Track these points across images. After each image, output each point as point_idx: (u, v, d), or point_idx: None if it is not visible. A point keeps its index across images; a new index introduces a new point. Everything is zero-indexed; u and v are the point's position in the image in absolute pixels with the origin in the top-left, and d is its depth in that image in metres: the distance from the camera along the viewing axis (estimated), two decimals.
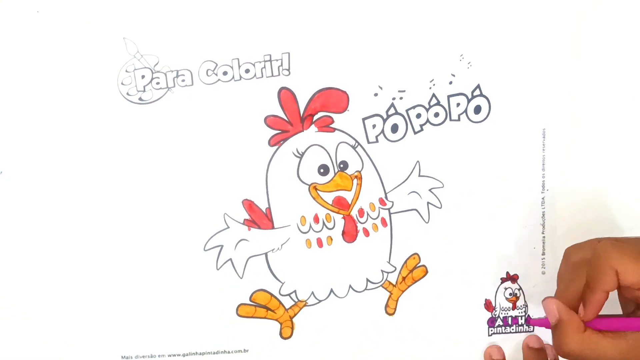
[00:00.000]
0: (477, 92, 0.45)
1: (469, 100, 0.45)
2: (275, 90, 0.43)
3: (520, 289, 0.47)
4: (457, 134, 0.45)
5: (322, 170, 0.45)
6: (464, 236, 0.46)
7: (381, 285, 0.46)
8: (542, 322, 0.44)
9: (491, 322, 0.47)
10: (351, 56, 0.43)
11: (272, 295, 0.45)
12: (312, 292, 0.46)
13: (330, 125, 0.44)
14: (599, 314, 0.38)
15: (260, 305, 0.45)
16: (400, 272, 0.46)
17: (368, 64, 0.44)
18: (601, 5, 0.44)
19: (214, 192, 0.44)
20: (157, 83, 0.43)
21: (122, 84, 0.43)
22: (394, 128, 0.45)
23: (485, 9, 0.44)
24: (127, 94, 0.43)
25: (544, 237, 0.47)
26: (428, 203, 0.46)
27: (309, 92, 0.44)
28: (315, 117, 0.44)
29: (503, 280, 0.47)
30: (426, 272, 0.47)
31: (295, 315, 0.46)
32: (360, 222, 0.45)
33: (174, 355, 0.46)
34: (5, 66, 0.42)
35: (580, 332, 0.38)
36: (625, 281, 0.36)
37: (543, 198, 0.46)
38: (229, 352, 0.46)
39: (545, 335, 0.47)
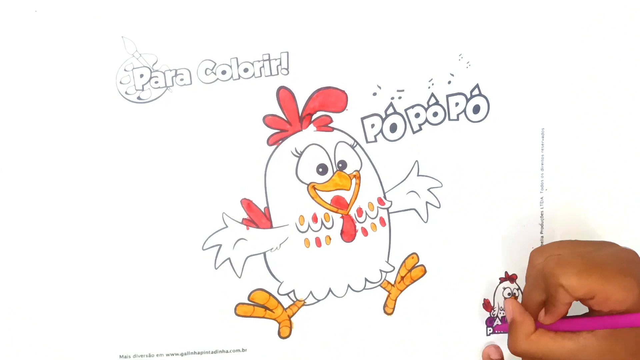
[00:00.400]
0: (476, 92, 0.45)
1: (467, 100, 0.45)
2: (274, 90, 0.43)
3: (518, 288, 0.47)
4: (456, 133, 0.45)
5: (320, 170, 0.45)
6: (462, 236, 0.46)
7: (380, 285, 0.46)
8: (504, 327, 0.46)
9: (490, 321, 0.47)
10: (350, 56, 0.43)
11: (270, 294, 0.45)
12: (311, 292, 0.46)
13: (329, 125, 0.44)
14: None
15: (259, 305, 0.45)
16: (398, 272, 0.46)
17: (367, 63, 0.44)
18: (601, 4, 0.44)
19: (213, 191, 0.44)
20: (156, 82, 0.43)
21: (120, 83, 0.43)
22: (393, 127, 0.45)
23: (484, 8, 0.44)
24: (126, 93, 0.43)
25: (542, 236, 0.47)
26: (427, 203, 0.46)
27: (308, 92, 0.44)
28: (314, 117, 0.44)
29: (502, 280, 0.47)
30: (425, 271, 0.47)
31: (293, 314, 0.46)
32: (358, 221, 0.45)
33: (172, 354, 0.46)
34: (3, 66, 0.42)
35: (529, 334, 0.40)
36: (573, 295, 0.37)
37: (542, 198, 0.46)
38: (227, 352, 0.46)
39: None
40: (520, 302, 0.42)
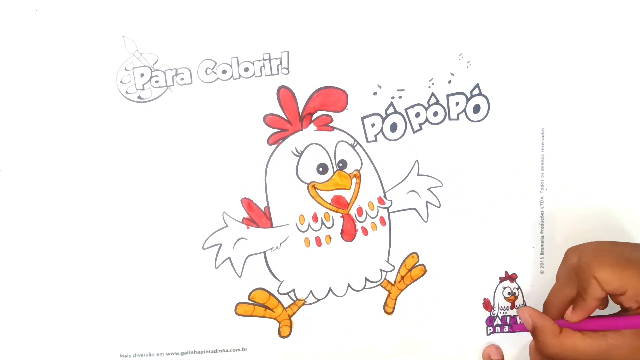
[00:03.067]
0: (476, 92, 0.45)
1: (468, 100, 0.45)
2: (274, 89, 0.43)
3: (518, 288, 0.47)
4: (456, 133, 0.45)
5: (321, 169, 0.45)
6: (462, 235, 0.46)
7: (380, 284, 0.46)
8: (523, 327, 0.45)
9: (490, 321, 0.47)
10: (350, 55, 0.43)
11: (270, 294, 0.45)
12: (311, 291, 0.46)
13: (329, 124, 0.44)
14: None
15: (259, 304, 0.45)
16: (398, 271, 0.46)
17: (367, 63, 0.44)
18: (601, 4, 0.44)
19: (213, 191, 0.44)
20: (156, 81, 0.43)
21: (121, 82, 0.43)
22: (393, 127, 0.45)
23: (484, 8, 0.44)
24: (126, 92, 0.43)
25: (542, 236, 0.47)
26: (427, 202, 0.46)
27: (308, 91, 0.44)
28: (314, 116, 0.44)
29: (501, 279, 0.47)
30: (425, 271, 0.47)
31: (293, 314, 0.46)
32: (359, 221, 0.45)
33: (173, 353, 0.46)
34: (4, 65, 0.42)
35: (556, 335, 0.40)
36: (606, 289, 0.38)
37: (542, 197, 0.46)
38: (227, 351, 0.46)
39: None
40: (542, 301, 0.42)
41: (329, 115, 0.44)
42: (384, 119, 0.44)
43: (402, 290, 0.47)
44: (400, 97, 0.44)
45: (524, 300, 0.47)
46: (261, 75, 0.43)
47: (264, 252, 0.45)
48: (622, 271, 0.37)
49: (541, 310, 0.43)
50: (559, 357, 0.40)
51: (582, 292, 0.39)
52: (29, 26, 0.42)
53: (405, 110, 0.44)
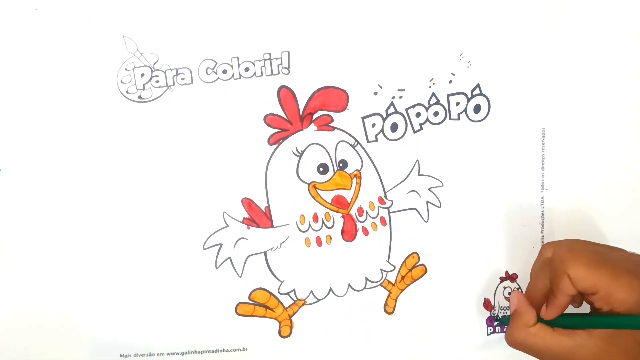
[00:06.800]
0: (476, 91, 0.45)
1: (468, 100, 0.45)
2: (275, 89, 0.43)
3: (519, 288, 0.47)
4: (457, 133, 0.45)
5: (321, 169, 0.45)
6: (463, 235, 0.46)
7: (380, 284, 0.46)
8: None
9: (490, 321, 0.47)
10: (351, 55, 0.43)
11: (271, 294, 0.45)
12: (311, 291, 0.46)
13: (330, 124, 0.44)
14: (565, 312, 0.39)
15: (259, 304, 0.45)
16: (399, 271, 0.46)
17: (368, 62, 0.44)
18: (602, 6, 0.44)
19: (214, 191, 0.44)
20: (157, 81, 0.43)
21: (121, 82, 0.43)
22: (394, 127, 0.45)
23: (485, 8, 0.44)
24: (127, 92, 0.43)
25: (542, 236, 0.47)
26: (427, 202, 0.46)
27: (309, 91, 0.44)
28: (315, 116, 0.44)
29: (502, 279, 0.47)
30: (425, 271, 0.47)
31: (294, 314, 0.46)
32: (359, 221, 0.45)
33: (173, 353, 0.45)
34: (4, 64, 0.42)
35: (528, 325, 0.39)
36: (577, 286, 0.37)
37: (542, 197, 0.46)
38: (227, 351, 0.46)
39: None
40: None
41: (330, 115, 0.44)
42: (384, 119, 0.44)
43: (402, 290, 0.47)
44: (400, 97, 0.44)
45: None
46: (262, 75, 0.43)
47: (265, 252, 0.45)
48: (595, 271, 0.37)
49: None
50: (524, 345, 0.39)
51: (554, 288, 0.38)
52: (29, 26, 0.42)
53: (406, 110, 0.44)
